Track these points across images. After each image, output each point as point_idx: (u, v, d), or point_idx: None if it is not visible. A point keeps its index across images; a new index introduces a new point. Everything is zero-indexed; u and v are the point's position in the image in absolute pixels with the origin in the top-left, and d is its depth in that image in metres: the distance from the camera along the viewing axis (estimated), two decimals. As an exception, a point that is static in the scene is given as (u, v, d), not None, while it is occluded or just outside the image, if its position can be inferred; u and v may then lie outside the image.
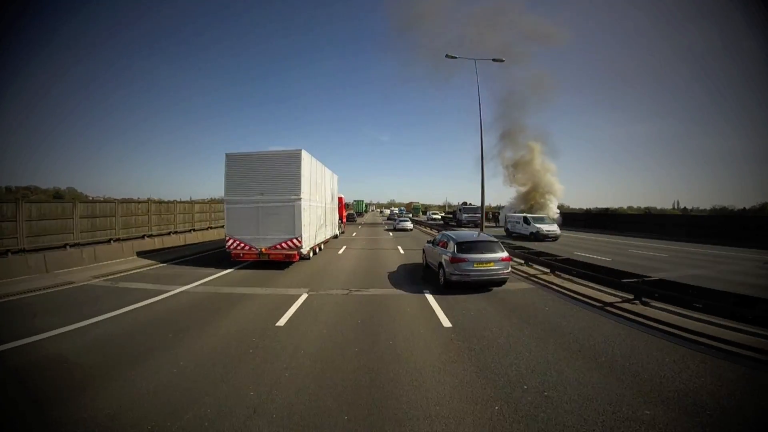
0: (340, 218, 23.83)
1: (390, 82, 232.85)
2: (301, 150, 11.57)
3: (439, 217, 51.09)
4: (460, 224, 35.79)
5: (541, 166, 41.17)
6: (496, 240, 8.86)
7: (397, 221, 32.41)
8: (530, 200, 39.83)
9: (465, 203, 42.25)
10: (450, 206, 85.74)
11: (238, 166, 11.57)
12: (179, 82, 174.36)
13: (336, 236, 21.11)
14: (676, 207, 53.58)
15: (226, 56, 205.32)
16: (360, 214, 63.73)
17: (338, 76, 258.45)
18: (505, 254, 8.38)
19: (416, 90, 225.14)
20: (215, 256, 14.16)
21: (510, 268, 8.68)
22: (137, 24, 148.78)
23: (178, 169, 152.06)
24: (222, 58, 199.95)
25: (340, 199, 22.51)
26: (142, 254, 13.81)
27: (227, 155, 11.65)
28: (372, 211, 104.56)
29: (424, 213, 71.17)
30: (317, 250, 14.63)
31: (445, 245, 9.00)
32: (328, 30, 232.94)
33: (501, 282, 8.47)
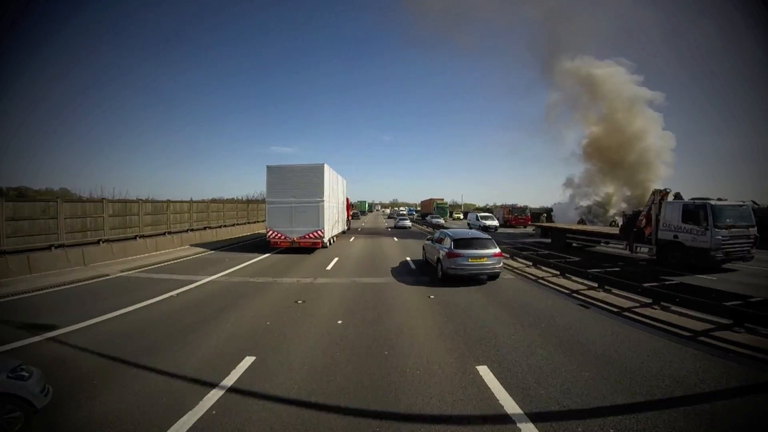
0: (347, 217, 27.01)
1: (391, 83, 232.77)
2: (324, 163, 15.08)
3: (497, 224, 30.31)
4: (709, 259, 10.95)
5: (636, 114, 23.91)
6: (489, 237, 9.67)
7: (397, 219, 35.52)
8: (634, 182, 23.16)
9: (695, 199, 12.07)
10: (465, 206, 66.08)
11: (275, 175, 14.87)
12: (181, 83, 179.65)
13: (344, 231, 23.76)
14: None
15: (227, 58, 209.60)
16: (363, 212, 65.57)
17: (341, 77, 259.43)
18: (497, 250, 9.16)
19: (417, 90, 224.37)
20: (250, 246, 16.46)
21: (502, 263, 9.57)
22: (139, 25, 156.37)
23: (179, 169, 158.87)
24: (223, 60, 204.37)
25: (347, 199, 25.44)
26: (194, 245, 16.41)
27: (268, 167, 14.92)
28: (376, 210, 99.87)
29: (456, 215, 51.51)
30: (332, 241, 17.56)
31: (442, 242, 9.94)
32: (330, 30, 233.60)
33: (494, 276, 9.34)
